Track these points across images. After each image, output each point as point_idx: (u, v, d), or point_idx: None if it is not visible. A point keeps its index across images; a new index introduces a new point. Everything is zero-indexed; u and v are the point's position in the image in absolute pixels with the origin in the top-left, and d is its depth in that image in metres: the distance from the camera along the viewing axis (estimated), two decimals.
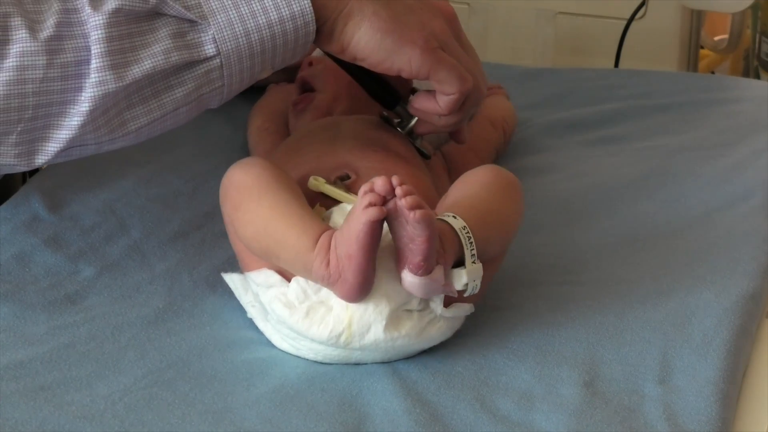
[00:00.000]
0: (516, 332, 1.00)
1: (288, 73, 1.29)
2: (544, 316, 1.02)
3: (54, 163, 0.97)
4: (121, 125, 0.95)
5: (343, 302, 0.93)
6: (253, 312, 1.00)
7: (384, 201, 0.89)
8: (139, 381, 0.94)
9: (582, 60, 1.78)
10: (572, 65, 1.74)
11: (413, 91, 1.12)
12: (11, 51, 0.92)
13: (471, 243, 0.94)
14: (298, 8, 0.96)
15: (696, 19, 1.78)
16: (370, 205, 0.88)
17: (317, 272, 0.91)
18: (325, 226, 0.94)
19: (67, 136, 0.94)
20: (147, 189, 1.22)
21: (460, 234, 0.93)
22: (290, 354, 0.97)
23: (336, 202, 1.02)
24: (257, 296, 0.98)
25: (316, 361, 0.96)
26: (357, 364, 0.95)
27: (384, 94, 1.12)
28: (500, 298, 1.04)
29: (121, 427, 0.89)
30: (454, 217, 0.94)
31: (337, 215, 0.98)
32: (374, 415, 0.90)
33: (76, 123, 0.93)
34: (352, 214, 0.90)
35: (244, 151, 1.30)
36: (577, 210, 1.20)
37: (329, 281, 0.91)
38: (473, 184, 1.01)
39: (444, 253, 0.92)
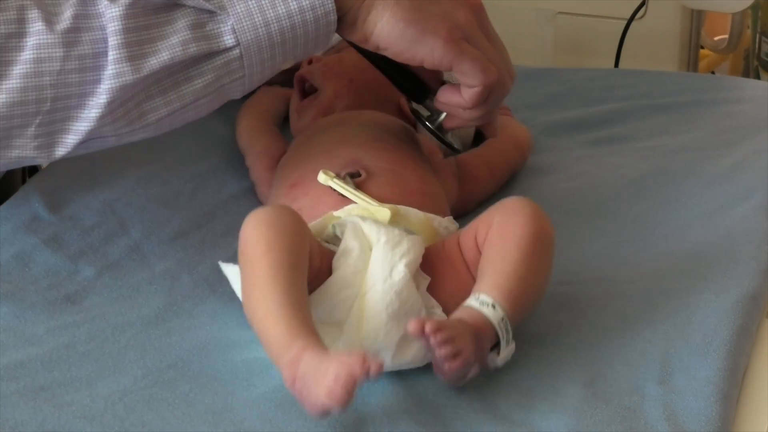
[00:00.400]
0: (516, 332, 1.00)
1: (287, 74, 1.28)
2: (544, 316, 1.02)
3: (72, 156, 0.96)
4: (141, 117, 0.95)
5: (354, 328, 0.92)
6: None
7: (360, 382, 0.83)
8: (139, 381, 0.94)
9: (582, 60, 1.78)
10: (572, 65, 1.74)
11: (443, 83, 1.10)
12: (28, 43, 0.92)
13: (508, 332, 0.92)
14: None
15: (696, 19, 1.78)
16: (344, 393, 0.83)
17: (284, 381, 0.88)
18: (304, 331, 0.88)
19: (86, 128, 0.94)
20: (147, 189, 1.22)
21: (497, 327, 0.91)
22: None
23: (347, 201, 1.02)
24: None
25: None
26: None
27: (413, 87, 1.10)
28: None
29: (121, 427, 0.89)
30: (493, 307, 0.91)
31: (350, 238, 0.96)
32: (374, 415, 0.90)
33: (94, 115, 0.93)
34: (323, 377, 0.84)
35: None
36: (577, 210, 1.20)
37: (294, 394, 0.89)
38: (512, 246, 0.95)
39: (480, 352, 0.90)
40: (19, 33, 0.92)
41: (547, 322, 1.01)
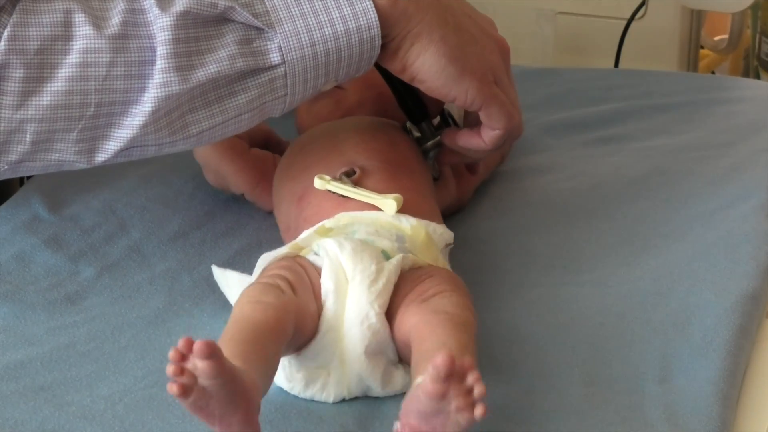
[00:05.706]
0: (516, 333, 1.00)
1: None
2: (544, 316, 1.02)
3: (111, 164, 0.96)
4: (183, 128, 0.95)
5: (340, 371, 0.91)
6: None
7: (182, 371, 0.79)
8: (139, 381, 0.94)
9: (582, 60, 1.78)
10: (572, 65, 1.74)
11: (442, 112, 1.13)
12: (74, 47, 0.91)
13: None
14: (365, 22, 0.96)
15: (696, 19, 1.78)
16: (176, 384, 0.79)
17: None
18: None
19: (129, 136, 0.93)
20: (147, 189, 1.22)
21: None
22: None
23: (347, 203, 1.02)
24: None
25: None
26: None
27: (414, 108, 1.12)
28: (500, 299, 1.04)
29: (121, 428, 0.89)
30: None
31: (326, 279, 0.93)
32: (374, 416, 0.90)
33: (138, 123, 0.93)
34: None
35: None
36: (577, 210, 1.20)
37: None
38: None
39: None
40: (66, 36, 0.91)
41: (547, 323, 1.01)
